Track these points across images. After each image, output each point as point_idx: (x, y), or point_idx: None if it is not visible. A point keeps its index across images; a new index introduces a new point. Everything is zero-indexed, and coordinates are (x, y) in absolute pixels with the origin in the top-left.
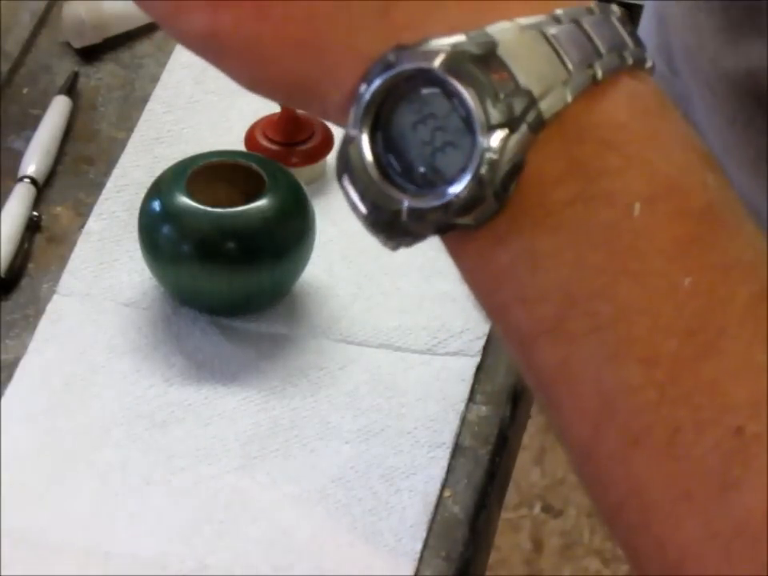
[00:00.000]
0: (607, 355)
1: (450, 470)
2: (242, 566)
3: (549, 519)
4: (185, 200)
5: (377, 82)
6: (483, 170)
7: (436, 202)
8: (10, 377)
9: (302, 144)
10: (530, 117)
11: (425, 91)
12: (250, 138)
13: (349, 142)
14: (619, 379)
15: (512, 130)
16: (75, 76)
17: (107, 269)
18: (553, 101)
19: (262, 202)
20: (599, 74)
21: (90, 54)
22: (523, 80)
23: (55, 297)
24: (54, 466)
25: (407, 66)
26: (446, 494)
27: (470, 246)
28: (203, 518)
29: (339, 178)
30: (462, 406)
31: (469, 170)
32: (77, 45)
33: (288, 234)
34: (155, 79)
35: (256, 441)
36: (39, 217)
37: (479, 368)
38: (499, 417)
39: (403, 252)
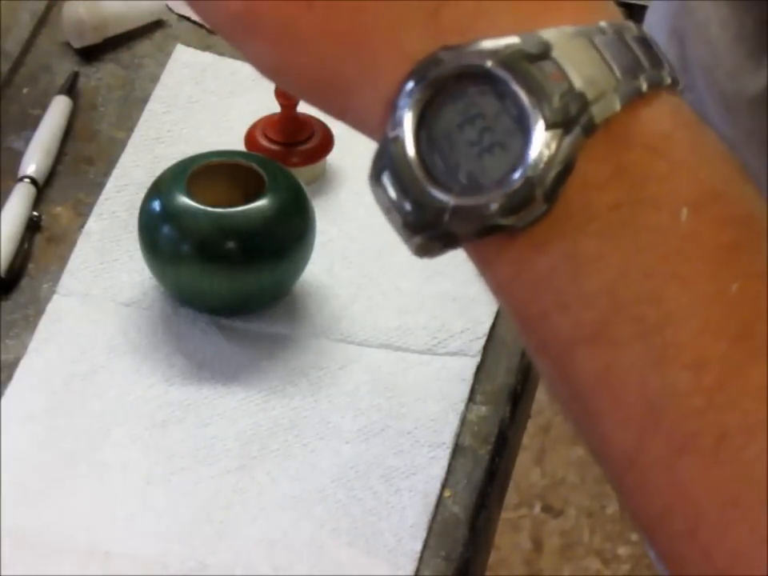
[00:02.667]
0: (653, 361)
1: (450, 470)
2: (242, 566)
3: (549, 519)
4: (185, 200)
5: (426, 80)
6: (536, 169)
7: (484, 200)
8: (10, 377)
9: (301, 144)
10: (584, 119)
11: (474, 90)
12: (249, 138)
13: (389, 140)
14: (666, 385)
15: (566, 131)
16: (75, 76)
17: (107, 269)
18: (604, 106)
19: (261, 202)
20: (644, 86)
21: (90, 54)
22: (578, 83)
23: (55, 297)
24: (54, 466)
25: (460, 63)
26: (446, 494)
27: (509, 253)
28: (203, 518)
29: (377, 178)
30: (462, 406)
31: (519, 170)
32: (77, 45)
33: (288, 234)
34: (155, 79)
35: (256, 441)
36: (39, 217)
37: (479, 368)
38: (499, 417)
39: (403, 252)
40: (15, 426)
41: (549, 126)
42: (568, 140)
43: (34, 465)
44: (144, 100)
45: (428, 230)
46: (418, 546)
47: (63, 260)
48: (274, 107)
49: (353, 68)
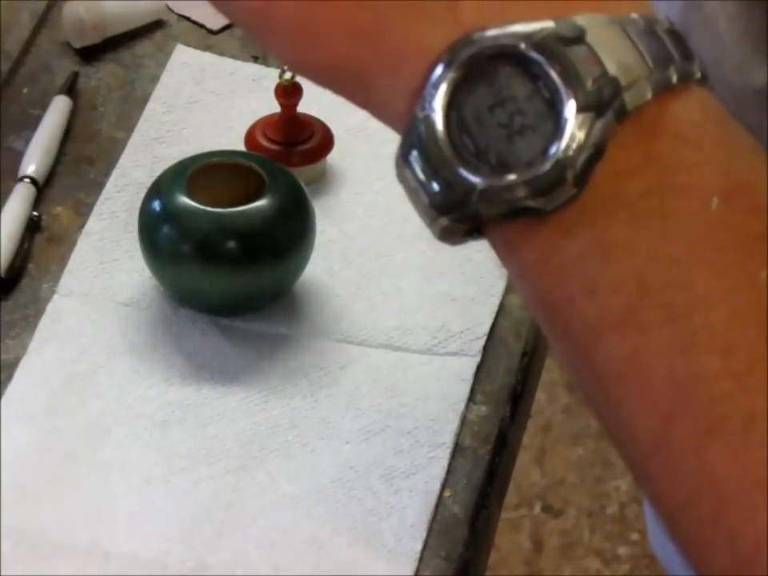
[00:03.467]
0: (682, 346)
1: (450, 470)
2: (242, 566)
3: (549, 519)
4: (185, 200)
5: (458, 60)
6: (567, 152)
7: (514, 181)
8: (9, 377)
9: (301, 144)
10: (616, 105)
11: (506, 72)
12: (250, 138)
13: (419, 120)
14: (694, 369)
15: (598, 115)
16: (75, 76)
17: (107, 269)
18: (636, 93)
19: (261, 202)
20: (674, 77)
21: (90, 53)
22: (612, 68)
23: (55, 297)
24: (53, 466)
25: (494, 43)
26: (446, 493)
27: (536, 237)
28: (203, 518)
29: (405, 157)
30: (462, 406)
31: (551, 152)
32: (77, 45)
33: (288, 234)
34: (155, 79)
35: (256, 441)
36: (39, 217)
37: (479, 368)
38: (499, 417)
39: (403, 252)
40: (15, 426)
41: (581, 109)
42: (600, 124)
43: (34, 465)
44: (144, 100)
45: (455, 211)
46: (418, 546)
47: (63, 260)
48: (274, 107)
49: (371, 62)
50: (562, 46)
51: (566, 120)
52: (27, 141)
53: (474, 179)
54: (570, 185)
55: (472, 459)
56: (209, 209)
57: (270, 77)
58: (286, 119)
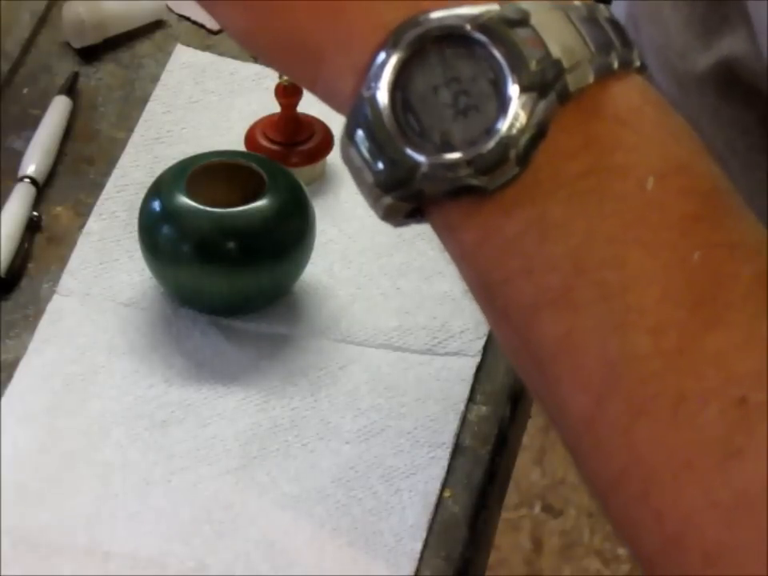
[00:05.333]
0: (614, 324)
1: (450, 470)
2: (242, 566)
3: (549, 519)
4: (185, 200)
5: (404, 41)
6: (510, 131)
7: (457, 159)
8: (9, 377)
9: (302, 144)
10: (559, 86)
11: (451, 53)
12: (250, 138)
13: (365, 99)
14: (626, 348)
15: (541, 95)
16: (75, 76)
17: (107, 269)
18: (578, 76)
19: (262, 202)
20: (615, 63)
21: (90, 53)
22: (555, 51)
23: (55, 297)
24: (54, 465)
25: (439, 24)
26: (446, 494)
27: (477, 217)
28: (203, 518)
29: (350, 136)
30: (461, 406)
31: (494, 131)
32: (77, 45)
33: (288, 234)
34: (155, 79)
35: (256, 441)
36: (39, 217)
37: (479, 368)
38: (499, 417)
39: (403, 252)
40: (15, 426)
41: (525, 89)
42: (543, 104)
43: (34, 465)
44: (144, 100)
45: (399, 189)
46: (418, 546)
47: (63, 260)
48: (274, 107)
49: (327, 35)
50: (507, 27)
51: (509, 99)
52: (27, 141)
53: (419, 157)
54: (512, 164)
55: (472, 459)
56: (209, 209)
57: (270, 77)
58: (286, 119)
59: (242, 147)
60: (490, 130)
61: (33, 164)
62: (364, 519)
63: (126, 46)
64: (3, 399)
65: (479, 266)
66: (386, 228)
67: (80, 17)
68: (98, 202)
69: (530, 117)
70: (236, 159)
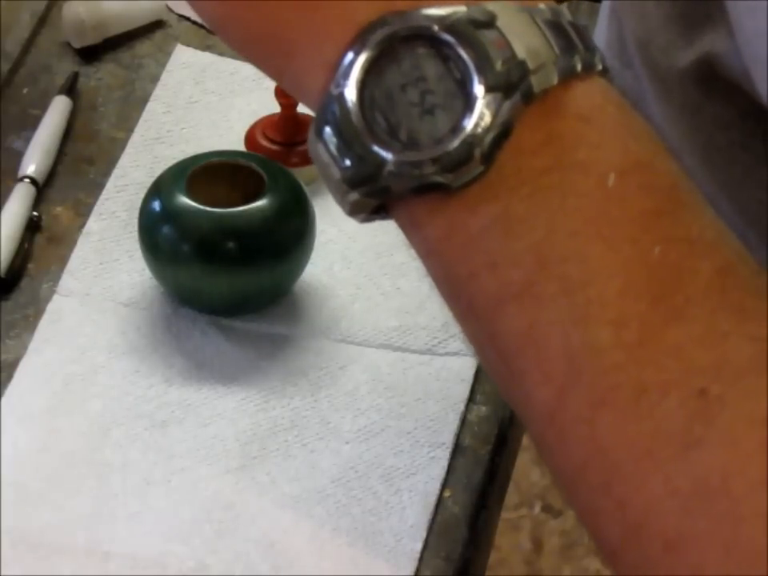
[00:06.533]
0: (576, 317)
1: (450, 470)
2: (242, 566)
3: (549, 519)
4: (185, 200)
5: (373, 40)
6: (475, 130)
7: (423, 157)
8: (9, 377)
9: (301, 144)
10: (524, 87)
11: (419, 53)
12: (250, 138)
13: (333, 97)
14: (587, 341)
15: (506, 96)
16: (75, 76)
17: (107, 269)
18: (543, 77)
19: (262, 202)
20: (578, 66)
21: (90, 54)
22: (520, 52)
23: (55, 297)
24: (54, 466)
25: (407, 24)
26: (446, 494)
27: (442, 213)
28: (203, 518)
29: (318, 133)
30: (461, 406)
31: (459, 130)
32: (77, 45)
33: (288, 234)
34: (155, 79)
35: (256, 441)
36: (39, 217)
37: (479, 368)
38: (499, 417)
39: (403, 252)
40: (15, 426)
41: (490, 89)
42: (507, 104)
43: (34, 465)
44: (144, 100)
45: (366, 185)
46: (418, 546)
47: (63, 260)
48: (274, 107)
49: (300, 30)
50: (474, 28)
51: (475, 99)
52: (27, 141)
53: (385, 154)
54: (477, 162)
55: (472, 459)
56: (209, 209)
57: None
58: (286, 119)
59: (241, 147)
60: (456, 129)
61: (33, 164)
62: (364, 519)
63: (126, 46)
64: (3, 399)
65: (444, 261)
66: (386, 228)
67: (80, 17)
68: (98, 202)
69: (494, 116)
70: (236, 159)
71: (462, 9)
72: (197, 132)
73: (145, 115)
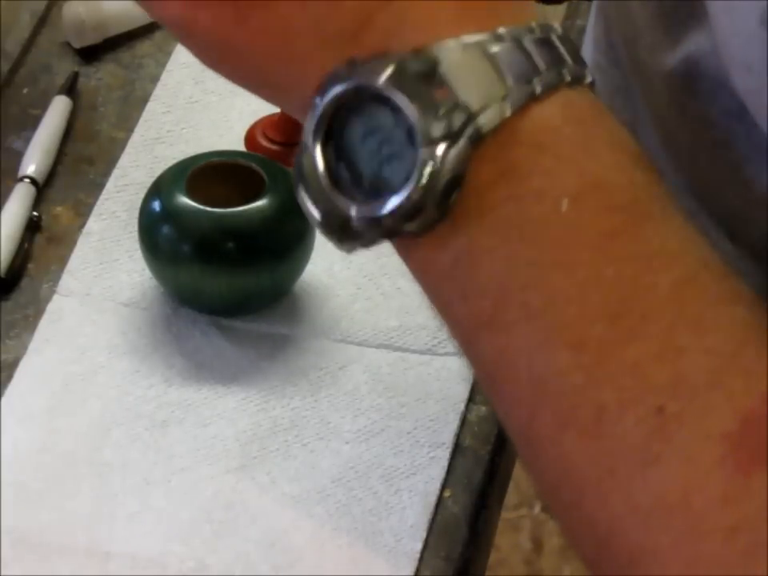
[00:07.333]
0: (538, 342)
1: (450, 470)
2: (242, 566)
3: (549, 519)
4: (185, 200)
5: (328, 96)
6: (424, 181)
7: (381, 211)
8: (9, 377)
9: None
10: (469, 131)
11: (372, 105)
12: (250, 138)
13: (303, 151)
14: (549, 364)
15: (452, 143)
16: (75, 76)
17: (107, 269)
18: (491, 115)
19: (262, 202)
20: (538, 89)
21: (90, 53)
22: (463, 96)
23: (55, 297)
24: (54, 465)
25: (354, 81)
26: (446, 494)
27: (416, 251)
28: (203, 517)
29: (295, 186)
30: (461, 406)
31: (411, 181)
32: (77, 45)
33: (288, 234)
34: (155, 79)
35: (256, 441)
36: (39, 217)
37: None
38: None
39: None
40: (15, 426)
41: (434, 141)
42: (454, 152)
43: (34, 465)
44: (144, 100)
45: (340, 234)
46: (418, 546)
47: (63, 260)
48: (274, 107)
49: (285, 78)
50: (415, 79)
51: (419, 152)
52: (27, 141)
53: (350, 208)
54: (431, 209)
55: (472, 459)
56: (209, 209)
57: None
58: (286, 119)
59: (242, 147)
60: (409, 179)
61: (33, 164)
62: (364, 519)
63: (126, 46)
64: (3, 399)
65: (425, 291)
66: None
67: (80, 17)
68: (98, 202)
69: (440, 167)
70: (236, 159)
71: (404, 60)
72: (197, 132)
73: (145, 115)
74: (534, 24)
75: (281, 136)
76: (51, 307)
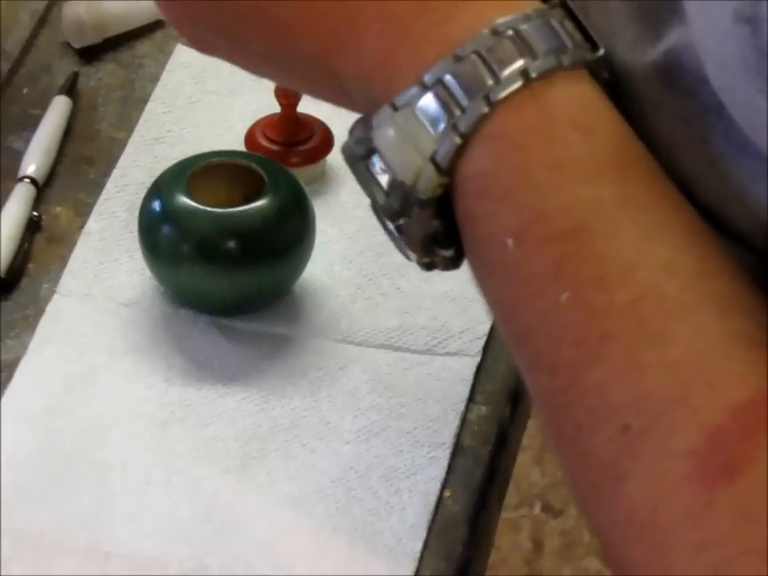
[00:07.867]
0: (525, 368)
1: (450, 470)
2: (242, 566)
3: (549, 519)
4: (185, 200)
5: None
6: (405, 251)
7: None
8: (10, 377)
9: (302, 144)
10: (414, 200)
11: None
12: (249, 138)
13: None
14: (535, 388)
15: (408, 216)
16: (75, 76)
17: (107, 269)
18: (424, 183)
19: (262, 202)
20: (462, 132)
21: (90, 53)
22: (398, 173)
23: (55, 297)
24: (54, 466)
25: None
26: (446, 494)
27: None
28: (203, 518)
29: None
30: (461, 406)
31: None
32: (77, 45)
33: (288, 234)
34: (155, 79)
35: (256, 441)
36: (39, 217)
37: (479, 368)
38: (499, 417)
39: None
40: (15, 426)
41: (387, 219)
42: (413, 221)
43: (34, 465)
44: (144, 100)
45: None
46: (418, 546)
47: (63, 260)
48: (274, 107)
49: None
50: (359, 163)
51: (389, 228)
52: (27, 141)
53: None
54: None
55: (472, 459)
56: (209, 209)
57: None
58: (286, 119)
59: (242, 147)
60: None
61: (33, 164)
62: (364, 519)
63: (126, 46)
64: (3, 399)
65: None
66: None
67: (80, 17)
68: (98, 202)
69: (409, 236)
70: (236, 159)
71: (349, 143)
72: (197, 132)
73: (145, 115)
74: (529, 11)
75: (281, 136)
76: (51, 307)
